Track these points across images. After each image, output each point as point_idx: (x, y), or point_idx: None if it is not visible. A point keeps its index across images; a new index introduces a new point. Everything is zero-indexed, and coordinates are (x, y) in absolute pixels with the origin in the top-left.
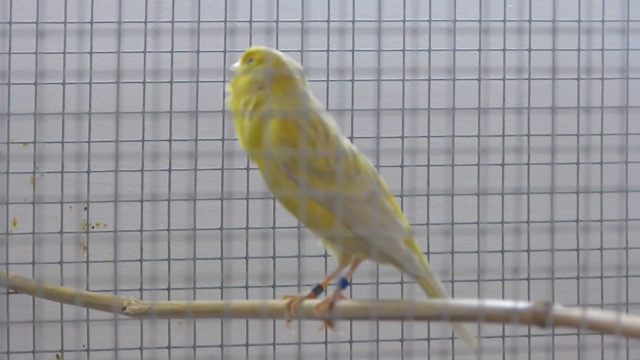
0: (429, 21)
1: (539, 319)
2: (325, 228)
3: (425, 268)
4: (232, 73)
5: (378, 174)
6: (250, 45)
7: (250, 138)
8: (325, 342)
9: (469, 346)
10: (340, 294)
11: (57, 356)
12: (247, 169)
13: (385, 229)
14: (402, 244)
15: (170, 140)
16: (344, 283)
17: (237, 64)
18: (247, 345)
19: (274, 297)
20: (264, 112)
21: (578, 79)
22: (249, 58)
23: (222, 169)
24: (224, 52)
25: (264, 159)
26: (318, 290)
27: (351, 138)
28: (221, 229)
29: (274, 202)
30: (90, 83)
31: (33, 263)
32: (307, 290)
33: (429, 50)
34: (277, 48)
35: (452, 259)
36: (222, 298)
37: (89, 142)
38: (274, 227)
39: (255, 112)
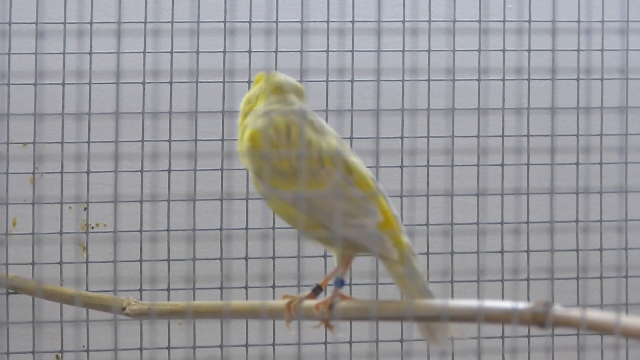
0: (429, 21)
1: (539, 319)
2: (307, 229)
3: (408, 258)
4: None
5: (364, 167)
6: (250, 45)
7: (241, 153)
8: (325, 343)
9: (432, 344)
10: (340, 293)
11: (57, 357)
12: (247, 169)
13: (354, 217)
14: (372, 229)
15: (169, 141)
16: (341, 283)
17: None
18: (246, 345)
19: (273, 298)
20: (244, 126)
21: (578, 80)
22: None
23: (221, 170)
24: (224, 52)
25: (253, 175)
26: (317, 290)
27: (351, 138)
28: (221, 229)
29: None
30: (89, 83)
31: (33, 263)
32: (307, 291)
33: (429, 51)
34: (276, 48)
35: (452, 259)
36: (221, 298)
37: (88, 142)
38: (273, 228)
39: (240, 128)
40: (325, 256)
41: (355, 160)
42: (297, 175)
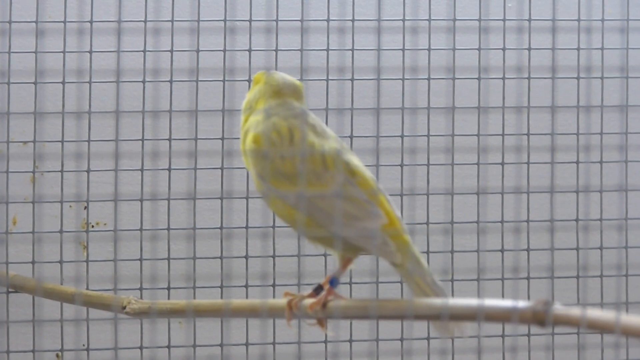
0: (429, 20)
1: (539, 318)
2: (309, 231)
3: (414, 258)
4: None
5: (366, 170)
6: (250, 44)
7: (244, 157)
8: (325, 342)
9: (444, 333)
10: (333, 292)
11: (57, 355)
12: (249, 171)
13: (358, 220)
14: (374, 233)
15: (170, 139)
16: (335, 282)
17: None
18: (247, 344)
19: (273, 296)
20: (246, 129)
21: (578, 78)
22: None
23: (221, 168)
24: (224, 51)
25: (255, 177)
26: (319, 289)
27: (351, 137)
28: (221, 228)
29: None
30: (90, 82)
31: (33, 262)
32: (308, 290)
33: (429, 49)
34: (276, 47)
35: (452, 258)
36: (222, 297)
37: (88, 141)
38: (273, 226)
39: (242, 130)
40: (325, 255)
41: (357, 162)
42: (300, 177)
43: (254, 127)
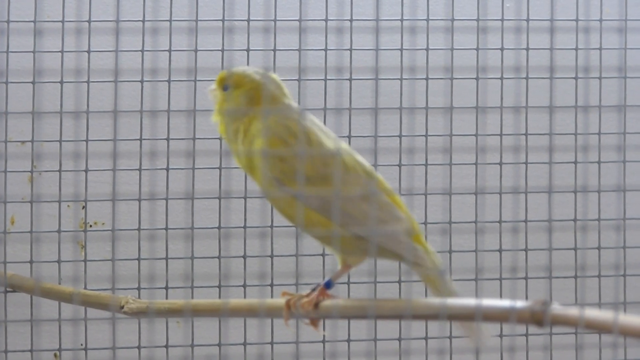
0: (427, 20)
1: (537, 318)
2: (325, 234)
3: (432, 260)
4: (211, 97)
5: (375, 171)
6: (248, 44)
7: (247, 162)
8: (323, 341)
9: (472, 342)
10: (325, 293)
11: (55, 355)
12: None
13: (385, 223)
14: (402, 236)
15: (168, 139)
16: (328, 283)
17: (213, 87)
18: (245, 344)
19: (271, 296)
20: (251, 135)
21: (576, 78)
22: (224, 84)
23: (220, 168)
24: (222, 50)
25: (262, 178)
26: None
27: (349, 137)
28: (219, 227)
29: None
30: (88, 82)
31: (31, 262)
32: (307, 290)
33: (427, 49)
34: (274, 47)
35: (450, 258)
36: (220, 297)
37: (86, 140)
38: (271, 226)
39: (245, 138)
40: (323, 255)
41: (368, 164)
42: (324, 180)
43: (264, 131)
